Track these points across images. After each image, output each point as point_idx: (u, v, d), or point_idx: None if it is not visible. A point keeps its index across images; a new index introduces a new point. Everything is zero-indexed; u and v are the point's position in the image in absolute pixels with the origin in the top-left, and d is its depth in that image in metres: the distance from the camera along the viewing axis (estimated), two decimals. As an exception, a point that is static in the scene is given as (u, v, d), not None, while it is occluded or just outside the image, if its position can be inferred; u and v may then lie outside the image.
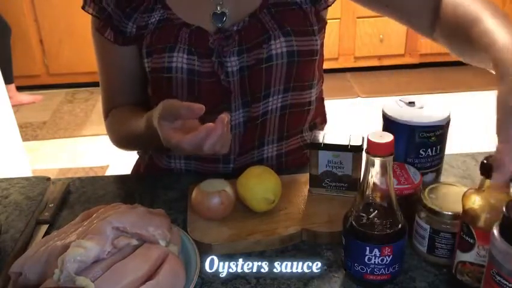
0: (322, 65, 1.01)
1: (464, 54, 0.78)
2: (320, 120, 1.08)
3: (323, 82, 1.04)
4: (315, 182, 0.86)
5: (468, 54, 0.77)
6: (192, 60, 0.88)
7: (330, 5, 0.95)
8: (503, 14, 0.69)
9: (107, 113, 1.03)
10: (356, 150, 0.82)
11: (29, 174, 2.37)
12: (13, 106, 2.41)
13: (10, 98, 2.42)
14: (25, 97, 3.53)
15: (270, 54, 0.88)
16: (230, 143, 0.75)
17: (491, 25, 0.67)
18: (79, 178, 0.99)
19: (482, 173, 0.61)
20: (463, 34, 0.73)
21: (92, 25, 0.95)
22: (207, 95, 0.90)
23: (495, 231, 0.54)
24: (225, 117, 0.71)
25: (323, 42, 0.97)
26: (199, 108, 0.72)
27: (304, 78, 0.94)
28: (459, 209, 0.65)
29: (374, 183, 0.64)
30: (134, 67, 0.95)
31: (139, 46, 0.92)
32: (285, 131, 0.98)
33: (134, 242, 0.68)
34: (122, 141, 1.01)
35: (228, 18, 0.90)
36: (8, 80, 3.01)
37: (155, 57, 0.89)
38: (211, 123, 0.70)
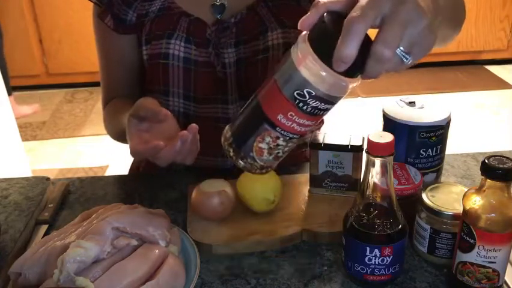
0: None
1: None
2: None
3: None
4: (315, 182, 0.86)
5: None
6: (189, 49, 0.89)
7: None
8: None
9: (106, 104, 1.03)
10: (356, 150, 0.82)
11: (29, 174, 2.37)
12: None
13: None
14: (25, 109, 3.44)
15: (267, 45, 0.88)
16: (196, 154, 0.72)
17: None
18: (78, 178, 0.99)
19: (482, 173, 0.61)
20: None
21: (93, 13, 0.95)
22: (202, 85, 0.90)
23: (303, 39, 0.50)
24: (187, 134, 0.68)
25: None
26: (164, 115, 0.70)
27: None
28: (459, 209, 0.65)
29: (375, 184, 0.64)
30: (133, 58, 0.95)
31: (138, 34, 0.93)
32: None
33: (134, 242, 0.68)
34: (116, 135, 1.00)
35: (227, 10, 0.90)
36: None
37: (154, 43, 0.90)
38: (160, 143, 0.66)
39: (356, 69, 0.48)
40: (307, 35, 0.50)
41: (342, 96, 0.52)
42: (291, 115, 0.52)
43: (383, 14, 0.48)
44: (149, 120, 0.72)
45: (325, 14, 0.50)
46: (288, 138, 0.55)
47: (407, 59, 0.49)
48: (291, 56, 0.52)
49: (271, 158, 0.57)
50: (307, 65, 0.50)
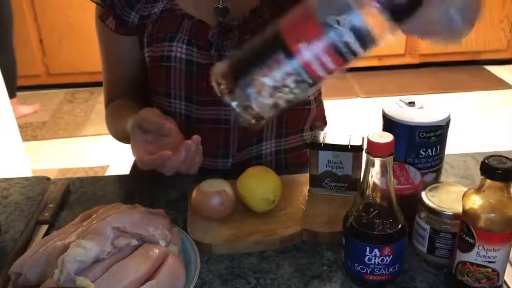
0: None
1: None
2: (320, 123, 1.09)
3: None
4: (315, 182, 0.86)
5: None
6: (191, 51, 0.89)
7: None
8: None
9: (108, 103, 1.03)
10: (356, 150, 0.82)
11: (29, 174, 2.37)
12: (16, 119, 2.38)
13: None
14: (26, 109, 3.45)
15: None
16: (199, 164, 0.74)
17: None
18: (78, 178, 0.99)
19: (482, 173, 0.61)
20: None
21: (96, 14, 0.95)
22: (204, 87, 0.90)
23: None
24: (190, 143, 0.70)
25: None
26: (168, 129, 0.72)
27: None
28: (459, 209, 0.65)
29: (374, 183, 0.64)
30: (136, 59, 0.96)
31: (140, 36, 0.93)
32: (284, 128, 0.98)
33: (134, 242, 0.68)
34: (117, 136, 1.01)
35: (230, 13, 0.90)
36: (11, 95, 2.89)
37: (156, 45, 0.90)
38: (168, 152, 0.69)
39: (404, 12, 0.44)
40: None
41: (375, 41, 0.45)
42: (315, 45, 0.45)
43: None
44: (153, 133, 0.74)
45: None
46: (299, 79, 0.47)
47: (456, 21, 0.45)
48: None
49: (269, 102, 0.48)
50: None
